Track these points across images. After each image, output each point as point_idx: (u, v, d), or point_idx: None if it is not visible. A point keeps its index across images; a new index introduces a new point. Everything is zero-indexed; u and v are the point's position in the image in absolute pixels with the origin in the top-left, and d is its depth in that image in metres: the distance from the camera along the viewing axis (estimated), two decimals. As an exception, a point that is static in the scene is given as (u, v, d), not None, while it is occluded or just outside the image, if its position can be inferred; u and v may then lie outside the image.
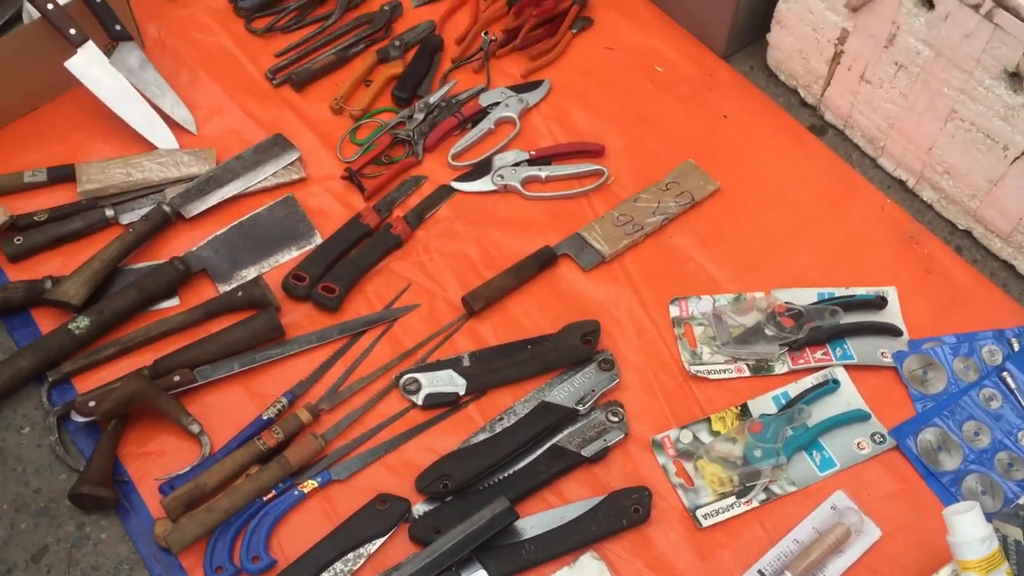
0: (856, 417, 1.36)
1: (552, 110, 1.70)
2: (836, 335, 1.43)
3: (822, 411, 1.36)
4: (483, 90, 1.71)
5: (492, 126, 1.67)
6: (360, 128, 1.66)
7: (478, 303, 1.45)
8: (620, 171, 1.63)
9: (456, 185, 1.60)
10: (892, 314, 1.47)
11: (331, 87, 1.71)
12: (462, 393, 1.38)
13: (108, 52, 1.60)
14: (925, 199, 1.60)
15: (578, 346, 1.41)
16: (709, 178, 1.61)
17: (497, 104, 1.68)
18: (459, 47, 1.77)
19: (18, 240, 1.47)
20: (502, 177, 1.59)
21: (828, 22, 1.58)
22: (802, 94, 1.73)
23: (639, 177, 1.62)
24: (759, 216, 1.59)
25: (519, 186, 1.59)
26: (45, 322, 1.42)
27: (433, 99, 1.68)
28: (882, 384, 1.40)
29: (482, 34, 1.76)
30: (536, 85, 1.72)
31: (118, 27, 1.61)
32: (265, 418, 1.34)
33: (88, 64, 1.56)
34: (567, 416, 1.35)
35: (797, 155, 1.66)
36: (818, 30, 1.61)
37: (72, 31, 1.56)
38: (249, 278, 1.47)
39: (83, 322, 1.37)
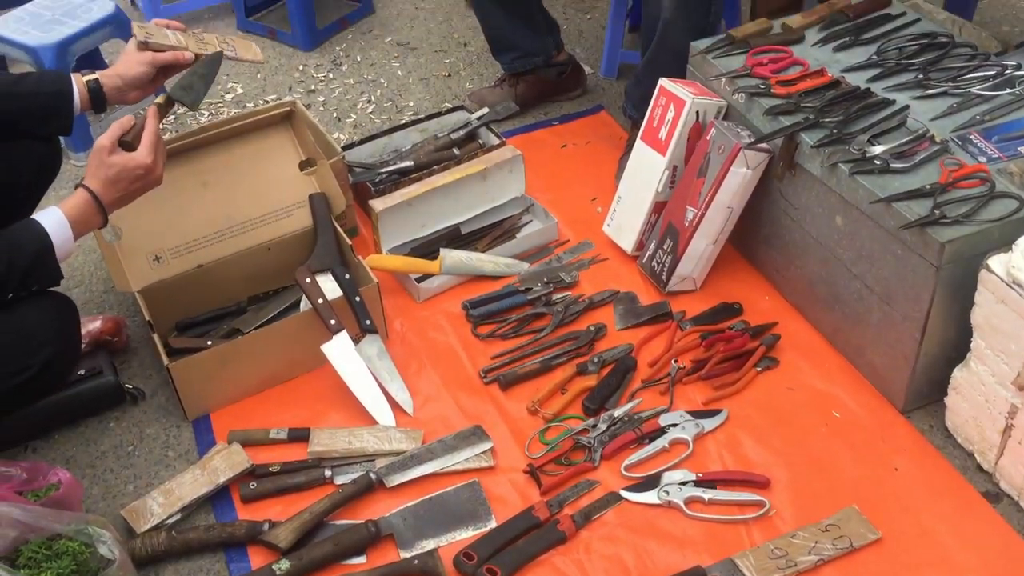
0: None
1: (726, 438, 1.84)
2: None
3: None
4: (664, 411, 1.88)
5: (667, 445, 1.82)
6: (549, 429, 1.88)
7: (623, 610, 1.55)
8: (782, 505, 1.71)
9: (624, 494, 1.75)
10: None
11: (532, 390, 1.95)
12: None
13: (356, 340, 1.95)
14: (1102, 586, 1.56)
15: (712, 672, 1.46)
16: (871, 526, 1.66)
17: (675, 425, 1.85)
18: (650, 369, 1.98)
19: (252, 485, 1.77)
20: (668, 493, 1.73)
21: (999, 395, 1.65)
22: (978, 459, 1.76)
23: (800, 514, 1.69)
24: (918, 573, 1.60)
25: (682, 504, 1.71)
26: (257, 558, 1.67)
27: (618, 413, 1.88)
28: None
29: (672, 361, 1.97)
30: (714, 413, 1.88)
31: (368, 322, 1.97)
32: None
33: (339, 349, 1.92)
34: None
35: (966, 519, 1.68)
36: (990, 401, 1.67)
37: (332, 321, 1.93)
38: (427, 549, 1.67)
39: (284, 565, 1.61)
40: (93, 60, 2.87)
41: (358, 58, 3.11)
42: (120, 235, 2.05)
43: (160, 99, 1.76)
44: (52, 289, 1.68)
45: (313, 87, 2.99)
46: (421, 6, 3.36)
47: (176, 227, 2.11)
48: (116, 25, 2.69)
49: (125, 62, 1.82)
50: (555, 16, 2.84)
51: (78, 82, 1.80)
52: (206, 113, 2.90)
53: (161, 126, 2.70)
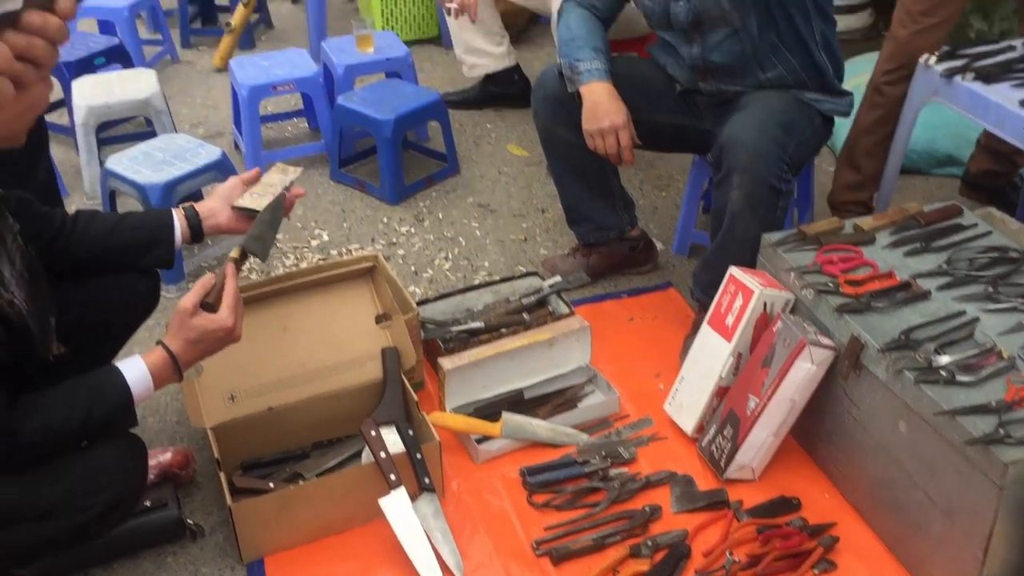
0: None
1: (777, 639, 1.80)
2: None
3: None
4: (715, 604, 1.86)
5: (715, 640, 1.79)
6: (597, 611, 1.86)
7: None
8: None
9: None
10: None
11: (584, 568, 1.94)
12: None
13: (413, 498, 1.98)
14: None
15: None
16: None
17: (725, 620, 1.82)
18: (704, 560, 1.95)
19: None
20: None
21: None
22: None
23: None
24: None
25: None
26: None
27: (667, 600, 1.86)
28: None
29: (727, 553, 1.95)
30: (766, 611, 1.85)
31: (427, 480, 2.00)
32: None
33: (396, 505, 1.95)
34: None
35: None
36: (1054, 631, 1.62)
37: (393, 476, 1.97)
38: None
39: None
40: (194, 200, 3.05)
41: (440, 215, 3.26)
42: (201, 372, 2.14)
43: (235, 253, 1.86)
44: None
45: (395, 240, 3.13)
46: (504, 170, 3.53)
47: (253, 368, 2.20)
48: (220, 170, 2.87)
49: (221, 206, 1.99)
50: (632, 191, 2.96)
51: (179, 216, 1.97)
52: (291, 256, 3.04)
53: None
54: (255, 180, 2.04)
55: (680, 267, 2.97)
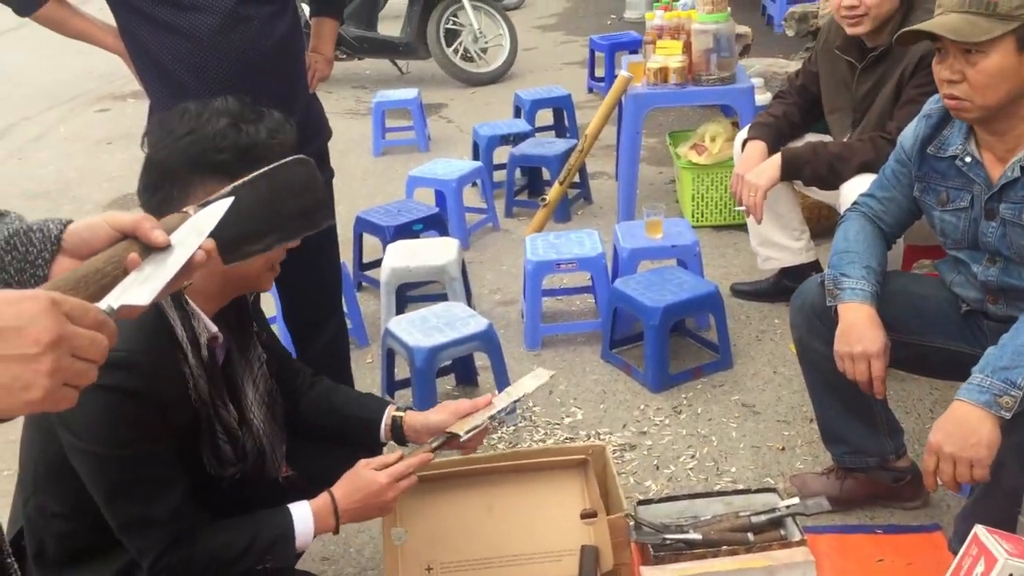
0: None
1: None
2: None
3: None
4: None
5: None
6: None
7: None
8: None
9: None
10: None
11: None
12: None
13: None
14: None
15: None
16: None
17: None
18: None
19: None
20: None
21: None
22: None
23: None
24: None
25: None
26: None
27: None
28: None
29: None
30: None
31: None
32: None
33: None
34: None
35: None
36: None
37: None
38: None
39: None
40: (466, 365, 3.25)
41: (699, 410, 3.15)
42: (405, 539, 2.21)
43: (437, 443, 1.95)
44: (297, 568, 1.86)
45: (646, 429, 3.07)
46: (780, 370, 3.35)
47: (454, 543, 2.23)
48: (483, 340, 3.02)
49: (437, 413, 2.05)
50: (921, 413, 2.67)
51: (388, 416, 2.08)
52: (542, 431, 3.09)
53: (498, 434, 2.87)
54: (485, 406, 2.06)
55: (956, 507, 2.59)
